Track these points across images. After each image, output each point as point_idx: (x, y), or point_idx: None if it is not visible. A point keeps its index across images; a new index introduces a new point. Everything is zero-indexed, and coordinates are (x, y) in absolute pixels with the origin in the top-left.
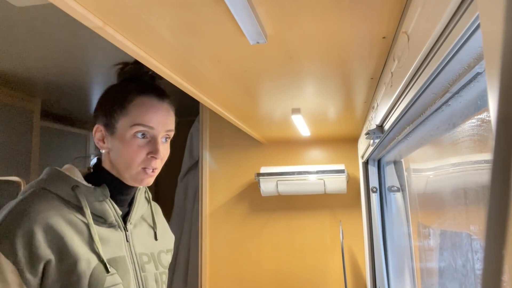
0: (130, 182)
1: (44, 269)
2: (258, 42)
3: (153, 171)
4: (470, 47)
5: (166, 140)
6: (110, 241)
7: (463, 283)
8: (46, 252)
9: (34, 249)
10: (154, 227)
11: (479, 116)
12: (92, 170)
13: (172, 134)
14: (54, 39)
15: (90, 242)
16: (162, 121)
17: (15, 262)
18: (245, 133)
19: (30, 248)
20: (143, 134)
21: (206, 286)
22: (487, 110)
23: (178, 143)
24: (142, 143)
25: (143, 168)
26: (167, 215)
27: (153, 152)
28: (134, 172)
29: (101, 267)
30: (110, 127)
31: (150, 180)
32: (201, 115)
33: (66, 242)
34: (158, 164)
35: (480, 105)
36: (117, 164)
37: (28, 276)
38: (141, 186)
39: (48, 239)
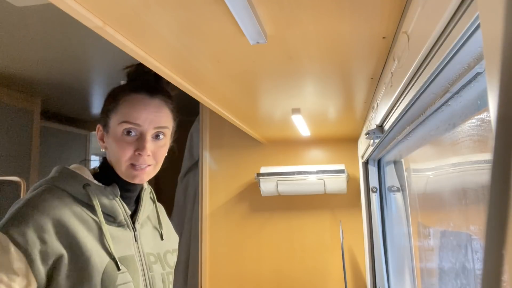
0: (125, 179)
1: (56, 264)
2: (258, 42)
3: (144, 168)
4: (470, 47)
5: (158, 138)
6: (120, 239)
7: (463, 283)
8: (57, 246)
9: (46, 241)
10: (159, 227)
11: (479, 116)
12: (99, 170)
13: (166, 131)
14: (55, 39)
15: (102, 240)
16: (150, 118)
17: (25, 253)
18: (245, 133)
19: (42, 240)
20: (130, 131)
21: (206, 286)
22: (487, 110)
23: (178, 143)
24: (131, 140)
25: (131, 164)
26: (168, 215)
27: (139, 149)
28: (123, 168)
29: (113, 265)
30: (106, 126)
31: (144, 177)
32: (201, 115)
33: (79, 239)
34: (149, 161)
35: (480, 105)
36: (111, 161)
37: (39, 267)
38: (146, 187)
39: (60, 234)
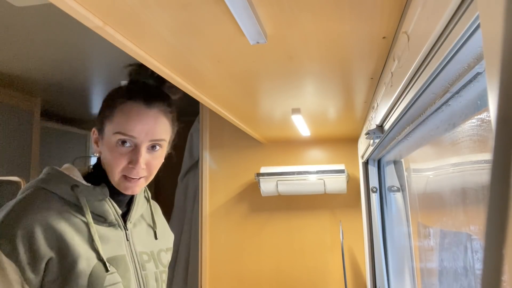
0: (117, 189)
1: (45, 267)
2: (258, 42)
3: (137, 180)
4: (470, 47)
5: (154, 148)
6: (110, 240)
7: (463, 283)
8: (46, 251)
9: (35, 248)
10: (153, 226)
11: (479, 116)
12: (92, 170)
13: (163, 143)
14: (54, 39)
15: (90, 241)
16: (146, 130)
17: (17, 262)
18: (245, 133)
19: (31, 247)
20: (125, 142)
21: (206, 286)
22: (487, 110)
23: (178, 143)
24: (125, 151)
25: (124, 176)
26: (167, 215)
27: (133, 162)
28: (116, 179)
29: (101, 266)
30: (101, 131)
31: (136, 189)
32: (201, 115)
33: (67, 241)
34: (142, 173)
35: (480, 105)
36: (105, 168)
37: (30, 275)
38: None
39: (48, 238)
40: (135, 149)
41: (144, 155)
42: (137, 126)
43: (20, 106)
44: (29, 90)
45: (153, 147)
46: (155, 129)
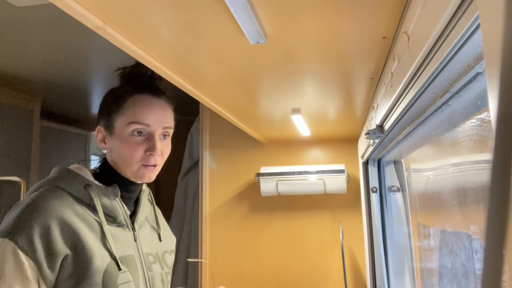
0: (133, 179)
1: (61, 264)
2: (258, 42)
3: (154, 166)
4: (470, 47)
5: (165, 137)
6: (120, 239)
7: (463, 283)
8: (63, 247)
9: (52, 244)
10: (157, 228)
11: (479, 116)
12: (98, 171)
13: (171, 131)
14: (54, 39)
15: (103, 240)
16: (158, 118)
17: (34, 258)
18: (245, 133)
19: (48, 243)
20: (140, 132)
21: (206, 286)
22: (487, 110)
23: (178, 143)
24: (140, 140)
25: (142, 165)
26: (167, 215)
27: (151, 149)
28: (135, 168)
29: (114, 264)
30: (109, 128)
31: (152, 175)
32: (201, 115)
33: (82, 238)
34: (158, 160)
35: (480, 105)
36: (118, 162)
37: (46, 271)
38: (144, 188)
39: (64, 234)
40: (149, 137)
41: (158, 142)
42: (150, 115)
43: (20, 106)
44: (29, 90)
45: (164, 135)
46: (165, 117)
